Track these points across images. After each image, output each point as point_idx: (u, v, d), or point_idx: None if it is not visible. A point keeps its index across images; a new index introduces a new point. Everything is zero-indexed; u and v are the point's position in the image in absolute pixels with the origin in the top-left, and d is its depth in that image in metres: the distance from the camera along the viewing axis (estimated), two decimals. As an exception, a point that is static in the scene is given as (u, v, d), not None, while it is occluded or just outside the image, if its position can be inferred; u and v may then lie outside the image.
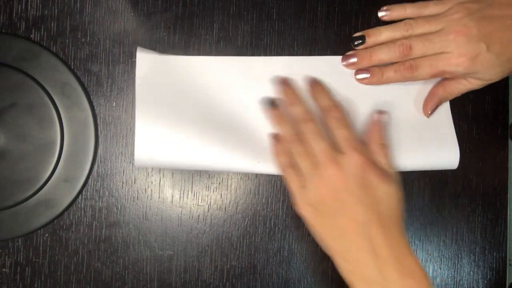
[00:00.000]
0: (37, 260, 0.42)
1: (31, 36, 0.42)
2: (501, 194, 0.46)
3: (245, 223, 0.44)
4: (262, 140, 0.42)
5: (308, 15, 0.44)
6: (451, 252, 0.45)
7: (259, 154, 0.41)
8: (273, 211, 0.44)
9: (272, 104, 0.41)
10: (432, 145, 0.43)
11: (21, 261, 0.42)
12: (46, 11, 0.42)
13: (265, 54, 0.43)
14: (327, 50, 0.44)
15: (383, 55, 0.40)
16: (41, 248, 0.42)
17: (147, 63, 0.41)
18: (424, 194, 0.45)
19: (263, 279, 0.44)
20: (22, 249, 0.42)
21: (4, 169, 0.41)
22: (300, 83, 0.42)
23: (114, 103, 0.42)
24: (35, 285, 0.42)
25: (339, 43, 0.44)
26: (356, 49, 0.42)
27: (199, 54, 0.43)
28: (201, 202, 0.43)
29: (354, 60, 0.41)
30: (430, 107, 0.42)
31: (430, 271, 0.45)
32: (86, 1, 0.42)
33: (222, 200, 0.43)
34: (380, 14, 0.42)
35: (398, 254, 0.34)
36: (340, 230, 0.36)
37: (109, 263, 0.43)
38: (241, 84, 0.42)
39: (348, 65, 0.42)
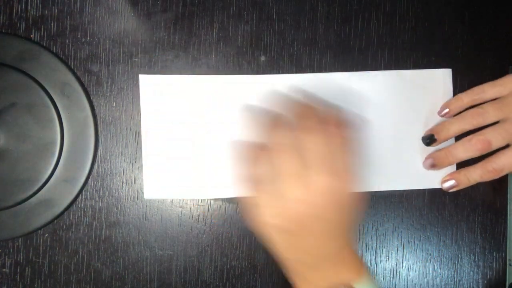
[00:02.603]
0: (37, 260, 0.42)
1: (31, 36, 0.42)
2: (501, 194, 0.46)
3: (245, 223, 0.44)
4: None
5: (308, 15, 0.44)
6: (451, 252, 0.45)
7: None
8: (273, 211, 0.44)
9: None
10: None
11: (21, 261, 0.42)
12: (46, 11, 0.42)
13: (265, 54, 0.43)
14: (327, 50, 0.44)
15: (461, 155, 0.40)
16: (41, 248, 0.42)
17: (151, 88, 0.42)
18: (424, 194, 0.45)
19: (263, 279, 0.44)
20: (22, 249, 0.42)
21: (4, 169, 0.41)
22: (301, 100, 0.42)
23: (114, 103, 0.42)
24: (35, 285, 0.42)
25: (339, 43, 0.44)
26: (432, 146, 0.42)
27: (199, 54, 0.43)
28: (201, 202, 0.43)
29: (433, 163, 0.42)
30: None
31: (430, 271, 0.45)
32: (86, 1, 0.42)
33: (222, 200, 0.43)
34: (441, 114, 0.43)
35: (332, 250, 0.34)
36: (310, 249, 0.33)
37: (109, 263, 0.43)
38: (245, 102, 0.42)
39: (430, 168, 0.43)
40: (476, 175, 0.40)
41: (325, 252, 0.34)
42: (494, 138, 0.39)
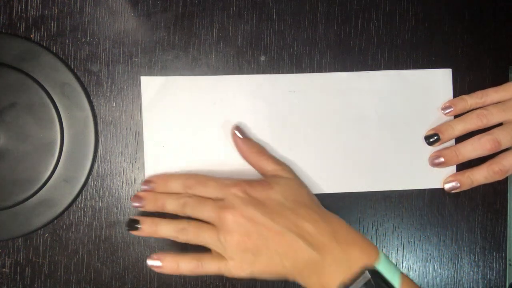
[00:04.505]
0: (37, 260, 0.42)
1: (31, 36, 0.42)
2: (501, 194, 0.46)
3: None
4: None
5: (308, 15, 0.44)
6: (451, 252, 0.45)
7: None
8: (273, 211, 0.44)
9: (133, 227, 0.39)
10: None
11: (21, 261, 0.42)
12: (46, 11, 0.42)
13: (265, 54, 0.43)
14: (327, 50, 0.44)
15: (469, 154, 0.41)
16: (41, 248, 0.42)
17: (152, 90, 0.42)
18: (424, 194, 0.45)
19: (263, 279, 0.44)
20: (22, 249, 0.42)
21: (4, 169, 0.41)
22: (304, 100, 0.43)
23: (114, 103, 0.42)
24: (35, 285, 0.42)
25: (339, 43, 0.44)
26: (434, 146, 0.42)
27: (199, 54, 0.43)
28: (201, 202, 0.43)
29: (441, 160, 0.42)
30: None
31: (430, 271, 0.45)
32: (86, 1, 0.42)
33: (222, 200, 0.43)
34: (444, 112, 0.43)
35: (331, 231, 0.35)
36: (276, 254, 0.35)
37: (109, 263, 0.43)
38: (245, 103, 0.42)
39: (436, 165, 0.42)
40: (480, 176, 0.41)
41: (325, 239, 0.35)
42: (504, 138, 0.39)
